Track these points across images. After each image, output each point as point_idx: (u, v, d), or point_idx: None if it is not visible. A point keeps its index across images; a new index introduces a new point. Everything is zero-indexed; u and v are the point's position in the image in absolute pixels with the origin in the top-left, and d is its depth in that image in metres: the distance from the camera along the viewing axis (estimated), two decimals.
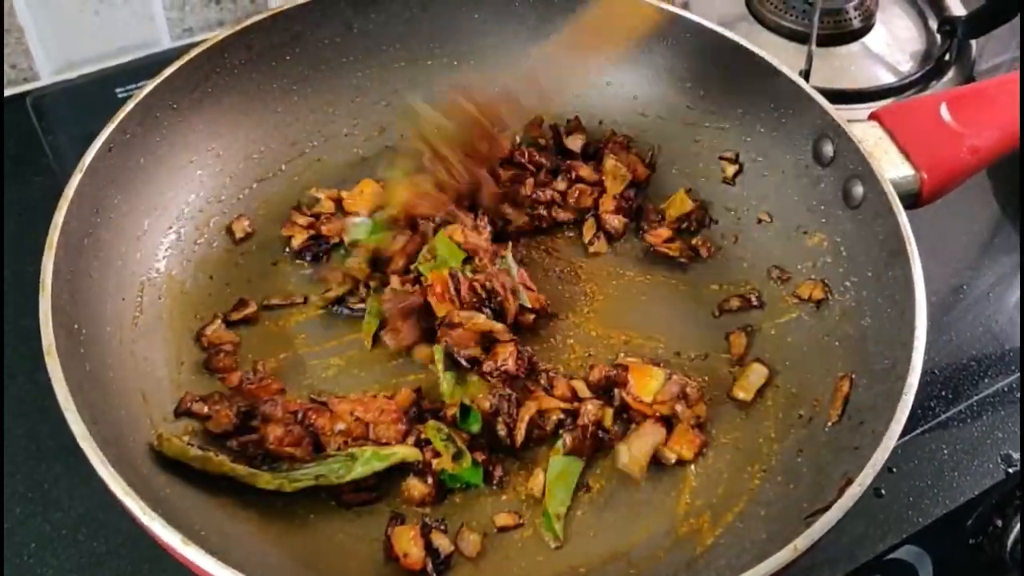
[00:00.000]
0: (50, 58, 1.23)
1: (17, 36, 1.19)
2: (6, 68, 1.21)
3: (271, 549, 0.80)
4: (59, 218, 0.84)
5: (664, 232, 1.05)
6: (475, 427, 0.87)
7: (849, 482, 0.74)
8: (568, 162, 1.09)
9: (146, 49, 1.28)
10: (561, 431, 0.87)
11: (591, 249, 1.05)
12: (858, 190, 0.94)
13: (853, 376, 0.88)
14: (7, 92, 1.22)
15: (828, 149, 0.98)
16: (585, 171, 1.08)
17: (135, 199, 0.94)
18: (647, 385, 0.89)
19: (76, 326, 0.82)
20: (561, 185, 1.07)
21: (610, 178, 1.07)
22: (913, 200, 0.95)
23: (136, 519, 0.70)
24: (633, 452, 0.87)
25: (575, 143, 1.10)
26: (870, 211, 0.93)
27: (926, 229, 0.91)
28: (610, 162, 1.07)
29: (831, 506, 0.72)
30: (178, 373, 0.91)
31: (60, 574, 0.84)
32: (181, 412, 0.87)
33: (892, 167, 0.94)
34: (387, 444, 0.85)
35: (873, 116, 0.99)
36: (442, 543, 0.81)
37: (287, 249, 1.02)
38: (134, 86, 1.19)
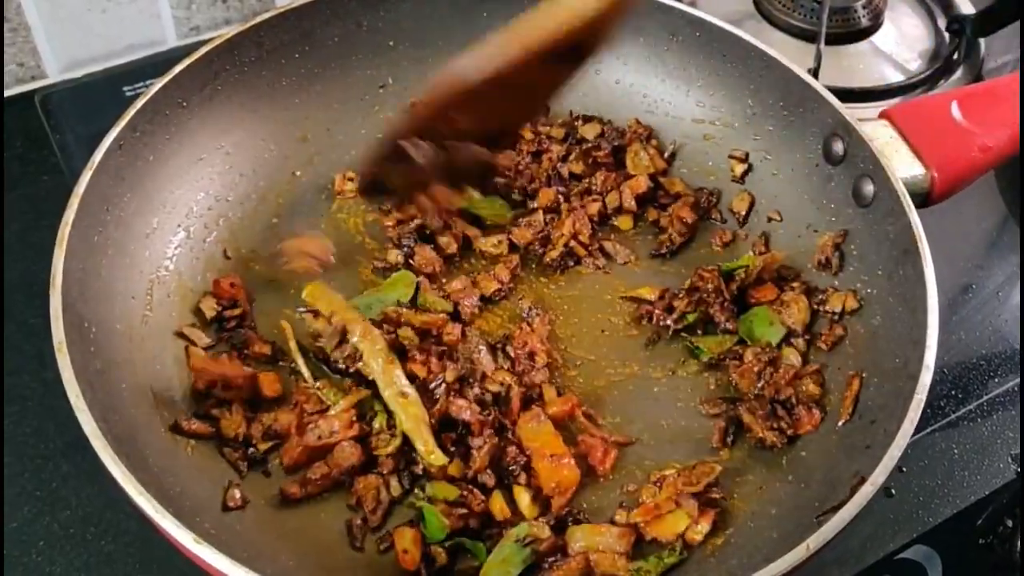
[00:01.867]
0: (57, 56, 1.23)
1: (24, 34, 1.19)
2: (14, 66, 1.21)
3: (281, 548, 0.80)
4: (70, 215, 0.84)
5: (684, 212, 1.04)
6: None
7: (862, 480, 0.74)
8: (585, 146, 1.08)
9: (153, 48, 1.28)
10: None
11: (614, 222, 1.05)
12: (869, 189, 0.94)
13: (864, 375, 0.88)
14: (15, 90, 1.22)
15: (838, 148, 0.97)
16: (602, 154, 1.07)
17: (144, 197, 0.94)
18: (674, 526, 0.83)
19: (86, 324, 0.82)
20: (578, 167, 1.07)
21: (632, 164, 1.07)
22: (924, 199, 0.95)
23: (148, 517, 0.70)
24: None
25: (590, 131, 1.10)
26: (881, 210, 0.93)
27: (935, 228, 0.90)
28: (634, 148, 1.07)
29: (843, 505, 0.72)
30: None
31: (68, 573, 0.84)
32: (202, 416, 0.87)
33: (903, 166, 0.94)
34: None
35: (884, 115, 0.99)
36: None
37: None
38: (141, 84, 1.19)
